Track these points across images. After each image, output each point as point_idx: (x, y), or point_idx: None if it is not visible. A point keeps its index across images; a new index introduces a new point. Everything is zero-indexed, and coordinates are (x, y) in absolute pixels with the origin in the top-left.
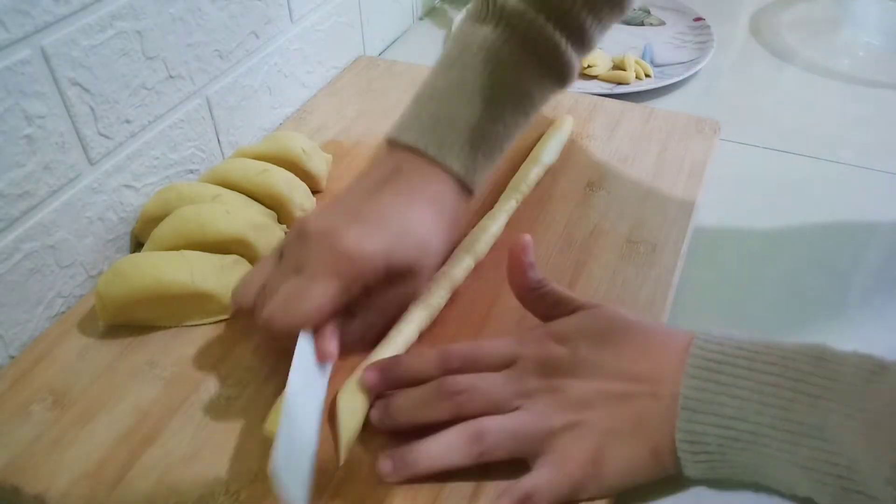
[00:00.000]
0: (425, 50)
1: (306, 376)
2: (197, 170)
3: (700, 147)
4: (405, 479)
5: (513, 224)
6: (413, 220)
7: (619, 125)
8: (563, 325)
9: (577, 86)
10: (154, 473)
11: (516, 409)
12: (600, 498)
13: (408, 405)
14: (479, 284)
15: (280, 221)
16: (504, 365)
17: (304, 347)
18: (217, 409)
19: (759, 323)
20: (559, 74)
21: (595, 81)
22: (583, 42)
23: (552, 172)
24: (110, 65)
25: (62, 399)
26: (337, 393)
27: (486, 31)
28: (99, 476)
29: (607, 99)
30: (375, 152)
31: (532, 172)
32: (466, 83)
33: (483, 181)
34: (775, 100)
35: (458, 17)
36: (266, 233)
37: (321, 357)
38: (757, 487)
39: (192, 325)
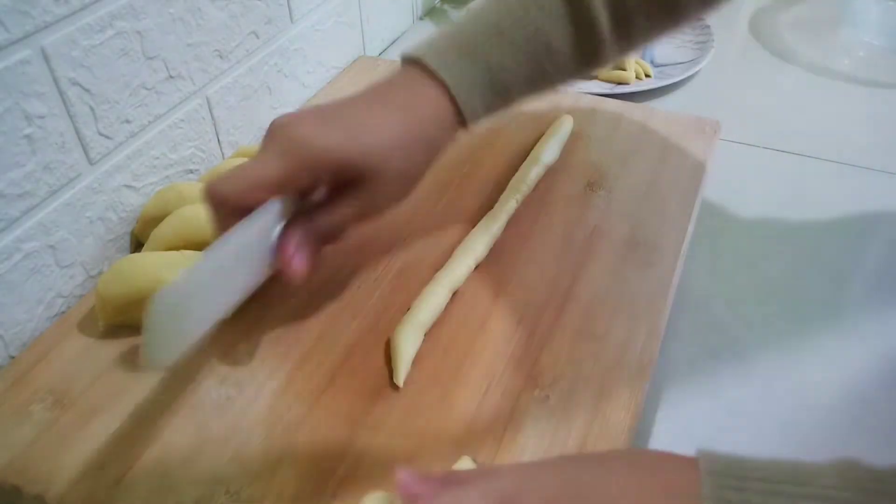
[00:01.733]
0: None
1: (242, 257)
2: (197, 170)
3: (700, 147)
4: None
5: (513, 224)
6: (373, 124)
7: (619, 125)
8: None
9: (577, 85)
10: (154, 473)
11: None
12: None
13: None
14: (479, 285)
15: None
16: None
17: (251, 231)
18: (217, 409)
19: (759, 322)
20: (588, 49)
21: (595, 81)
22: (627, 31)
23: (552, 172)
24: (110, 65)
25: (62, 399)
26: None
27: None
28: (99, 476)
29: (607, 99)
30: None
31: (532, 172)
32: (489, 12)
33: (479, 114)
34: (775, 100)
35: (458, 17)
36: None
37: (285, 265)
38: None
39: None
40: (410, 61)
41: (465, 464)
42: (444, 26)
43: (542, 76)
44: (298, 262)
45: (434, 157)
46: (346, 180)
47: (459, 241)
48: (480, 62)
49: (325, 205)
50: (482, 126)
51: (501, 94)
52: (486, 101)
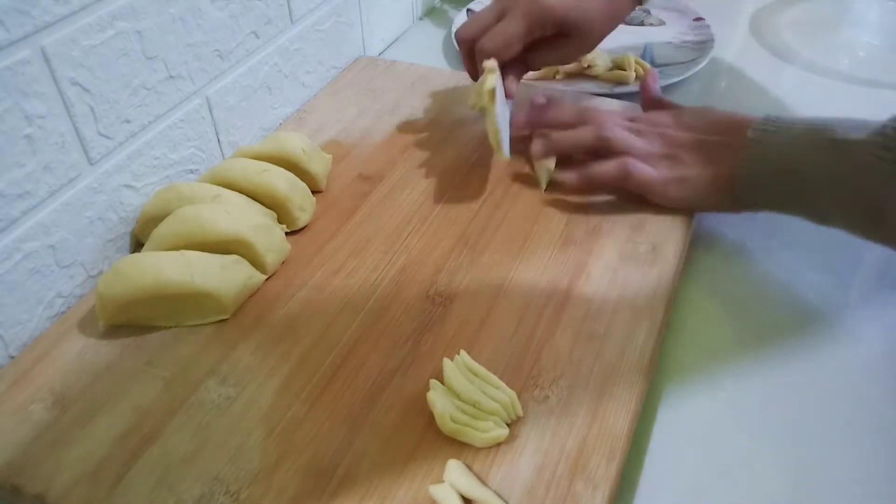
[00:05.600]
0: (425, 50)
1: (502, 98)
2: (197, 170)
3: None
4: (551, 154)
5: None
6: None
7: None
8: (672, 106)
9: (578, 86)
10: (154, 473)
11: None
12: (673, 207)
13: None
14: (479, 284)
15: (280, 221)
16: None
17: (498, 83)
18: (217, 409)
19: (759, 322)
20: None
21: (595, 81)
22: None
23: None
24: (110, 65)
25: (62, 399)
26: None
27: None
28: (99, 476)
29: (607, 99)
30: None
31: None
32: None
33: None
34: (775, 100)
35: (458, 17)
36: (266, 233)
37: (507, 94)
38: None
39: (192, 325)
40: None
41: (454, 468)
42: None
43: None
44: (511, 87)
45: (616, 26)
46: (557, 34)
47: (459, 241)
48: None
49: (533, 50)
50: None
51: None
52: None
